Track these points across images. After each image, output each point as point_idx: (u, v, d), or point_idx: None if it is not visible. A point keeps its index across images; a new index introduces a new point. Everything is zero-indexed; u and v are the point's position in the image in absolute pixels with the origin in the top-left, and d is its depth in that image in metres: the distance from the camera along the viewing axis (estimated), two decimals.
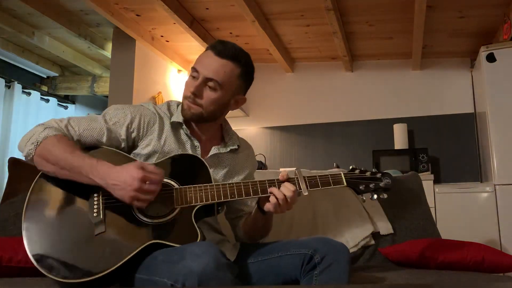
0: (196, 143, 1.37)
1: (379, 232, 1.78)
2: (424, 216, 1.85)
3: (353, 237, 1.75)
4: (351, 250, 1.72)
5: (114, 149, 1.31)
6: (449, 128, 3.66)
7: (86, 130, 1.27)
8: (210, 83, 1.31)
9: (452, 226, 2.95)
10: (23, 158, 1.25)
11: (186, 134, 1.37)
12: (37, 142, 1.19)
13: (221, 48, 1.31)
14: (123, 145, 1.32)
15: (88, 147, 1.27)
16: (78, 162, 1.16)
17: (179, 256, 1.02)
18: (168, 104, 1.44)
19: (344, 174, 1.31)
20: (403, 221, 1.83)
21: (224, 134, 1.47)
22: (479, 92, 3.43)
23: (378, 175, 1.32)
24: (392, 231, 1.79)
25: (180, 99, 1.46)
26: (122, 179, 1.12)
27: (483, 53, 3.07)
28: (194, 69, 1.33)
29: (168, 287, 0.99)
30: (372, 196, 1.31)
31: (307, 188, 1.26)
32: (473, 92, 3.66)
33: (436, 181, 3.36)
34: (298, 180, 1.27)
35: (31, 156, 1.20)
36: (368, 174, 1.32)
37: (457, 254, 1.50)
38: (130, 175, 1.11)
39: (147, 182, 1.12)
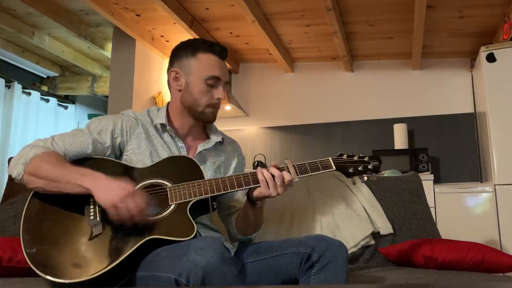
0: (181, 144, 1.42)
1: (379, 232, 1.78)
2: (424, 216, 1.85)
3: (353, 237, 1.75)
4: (351, 250, 1.72)
5: (104, 157, 1.34)
6: (449, 128, 3.66)
7: (71, 144, 1.29)
8: (226, 86, 1.43)
9: (452, 226, 2.95)
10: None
11: (171, 136, 1.41)
12: (26, 161, 1.21)
13: (218, 50, 1.41)
14: (108, 153, 1.35)
15: (78, 160, 1.29)
16: (68, 172, 1.18)
17: (183, 251, 1.02)
18: (148, 110, 1.49)
19: (332, 158, 1.32)
20: (403, 221, 1.82)
21: (207, 131, 1.52)
22: (479, 92, 3.43)
23: (366, 159, 1.33)
24: (392, 231, 1.79)
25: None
26: (114, 185, 1.14)
27: (483, 53, 3.07)
28: (215, 78, 1.39)
29: (172, 282, 0.99)
30: (362, 178, 1.32)
31: (297, 175, 1.27)
32: (473, 92, 3.66)
33: (436, 181, 3.36)
34: (287, 168, 1.28)
35: (21, 175, 1.21)
36: (355, 158, 1.33)
37: (457, 254, 1.50)
38: (120, 186, 1.14)
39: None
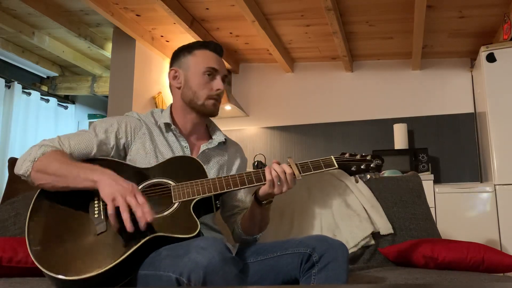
0: (184, 144, 1.43)
1: (379, 232, 1.78)
2: (424, 216, 1.85)
3: (353, 237, 1.75)
4: (351, 250, 1.72)
5: (109, 157, 1.35)
6: (449, 128, 3.66)
7: (76, 144, 1.32)
8: (224, 79, 1.46)
9: (452, 226, 2.95)
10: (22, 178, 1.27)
11: (175, 135, 1.43)
12: (35, 159, 1.23)
13: (213, 45, 1.47)
14: (112, 153, 1.37)
15: (84, 161, 1.31)
16: (77, 168, 1.20)
17: (184, 250, 1.02)
18: (152, 111, 1.51)
19: (334, 157, 1.34)
20: (403, 221, 1.82)
21: (210, 131, 1.54)
22: (479, 92, 3.43)
23: (368, 157, 1.34)
24: (392, 231, 1.79)
25: None
26: (120, 181, 1.16)
27: (483, 53, 3.07)
28: (212, 69, 1.43)
29: (173, 281, 0.99)
30: (365, 177, 1.33)
31: (300, 173, 1.28)
32: (473, 92, 3.66)
33: (436, 181, 3.36)
34: (290, 167, 1.29)
35: (29, 172, 1.22)
36: (358, 156, 1.35)
37: (457, 254, 1.50)
38: (125, 182, 1.16)
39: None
